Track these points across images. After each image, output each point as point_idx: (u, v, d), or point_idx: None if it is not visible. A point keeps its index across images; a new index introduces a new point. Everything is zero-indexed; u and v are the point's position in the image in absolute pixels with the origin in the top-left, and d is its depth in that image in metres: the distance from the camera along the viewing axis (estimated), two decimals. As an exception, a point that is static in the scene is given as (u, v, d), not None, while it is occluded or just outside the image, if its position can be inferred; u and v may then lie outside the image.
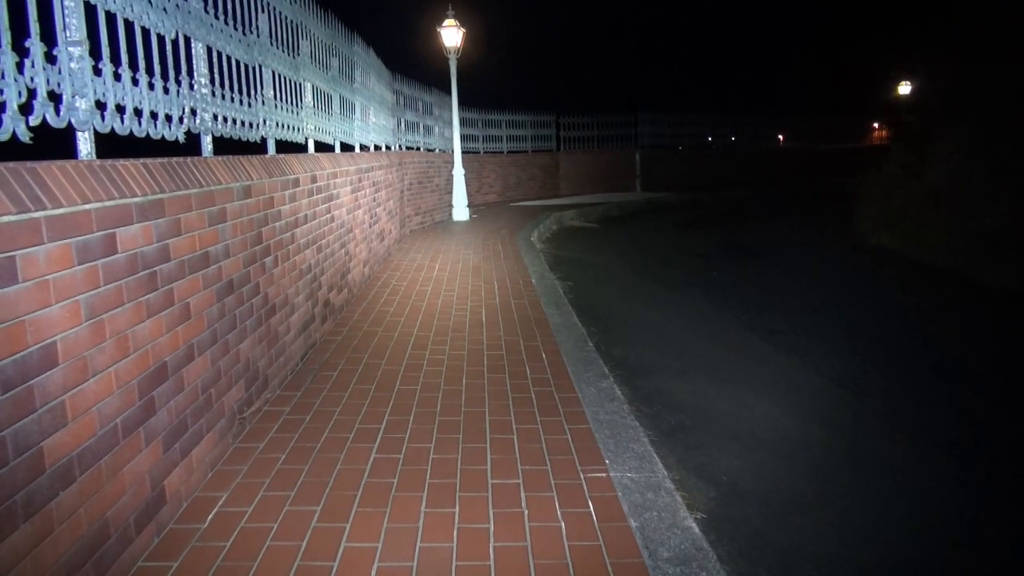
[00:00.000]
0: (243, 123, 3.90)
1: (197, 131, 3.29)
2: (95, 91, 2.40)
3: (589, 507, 2.73)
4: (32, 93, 2.07)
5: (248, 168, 3.66)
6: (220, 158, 3.37)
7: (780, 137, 31.81)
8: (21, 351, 1.79)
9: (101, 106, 2.45)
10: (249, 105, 4.00)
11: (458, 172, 14.19)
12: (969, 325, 6.96)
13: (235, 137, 3.81)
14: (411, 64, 14.65)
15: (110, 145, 2.48)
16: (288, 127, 4.81)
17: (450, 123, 14.77)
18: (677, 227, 15.17)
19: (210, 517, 2.63)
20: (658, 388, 4.81)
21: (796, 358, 5.59)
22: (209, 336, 3.02)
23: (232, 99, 3.75)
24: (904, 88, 28.76)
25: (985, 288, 8.51)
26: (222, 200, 3.22)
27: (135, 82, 2.68)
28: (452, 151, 14.56)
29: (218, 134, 3.54)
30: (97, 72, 2.42)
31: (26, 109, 2.04)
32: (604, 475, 3.01)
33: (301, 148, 5.25)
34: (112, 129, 2.52)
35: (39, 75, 2.09)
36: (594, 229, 14.81)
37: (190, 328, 2.82)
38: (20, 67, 2.02)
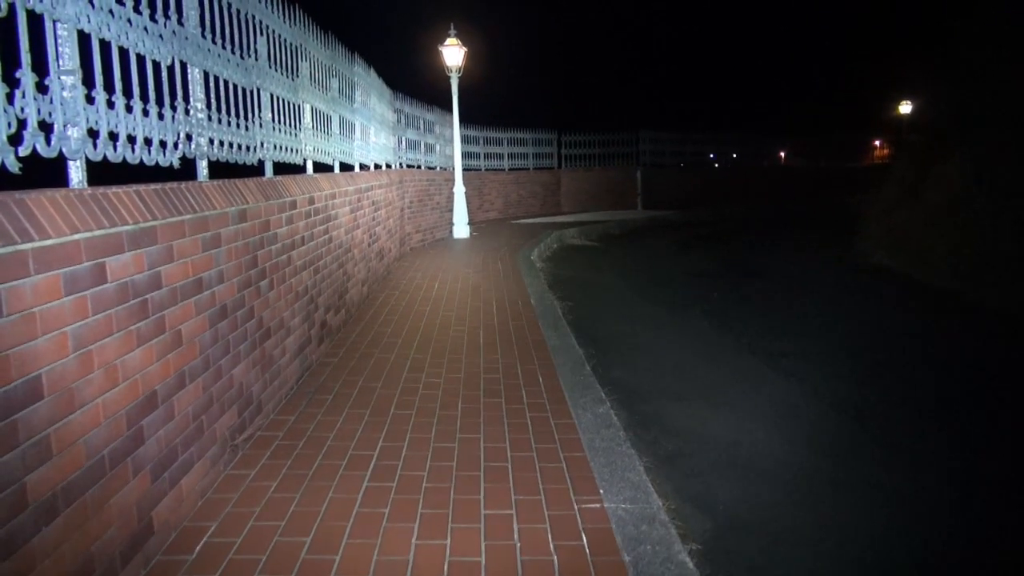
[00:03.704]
0: (240, 147, 3.90)
1: (192, 156, 3.28)
2: (87, 120, 2.39)
3: (583, 540, 2.69)
4: (22, 123, 2.06)
5: (244, 192, 3.65)
6: (216, 182, 3.36)
7: (781, 155, 31.91)
8: (5, 385, 1.77)
9: (94, 134, 2.44)
10: (246, 128, 4.00)
11: (459, 190, 14.21)
12: (971, 349, 6.91)
13: (231, 161, 3.81)
14: (413, 82, 14.70)
15: (103, 170, 2.47)
16: (286, 149, 4.81)
17: (451, 141, 14.82)
18: (678, 246, 15.15)
19: (198, 548, 2.59)
20: (656, 413, 4.78)
21: (796, 382, 5.55)
22: (201, 363, 3.00)
23: (229, 123, 3.75)
24: (905, 107, 28.85)
25: (987, 311, 8.47)
26: (217, 225, 3.20)
27: (129, 109, 2.68)
28: (453, 169, 14.59)
29: (214, 159, 3.54)
30: (90, 100, 2.42)
31: (16, 140, 2.03)
32: (598, 505, 2.97)
33: (296, 169, 5.25)
34: (105, 157, 2.51)
35: (30, 105, 2.08)
36: (595, 248, 14.81)
37: (182, 356, 2.80)
38: (10, 97, 2.01)
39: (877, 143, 36.99)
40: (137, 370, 2.44)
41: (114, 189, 2.43)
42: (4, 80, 1.98)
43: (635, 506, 2.99)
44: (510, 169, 20.45)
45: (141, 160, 2.76)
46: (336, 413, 4.05)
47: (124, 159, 2.63)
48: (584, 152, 23.11)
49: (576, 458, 3.46)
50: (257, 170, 4.27)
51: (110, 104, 2.54)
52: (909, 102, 28.85)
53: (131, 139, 2.68)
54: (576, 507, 2.95)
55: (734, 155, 29.01)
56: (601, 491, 3.10)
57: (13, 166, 1.99)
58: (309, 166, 5.49)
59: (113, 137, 2.56)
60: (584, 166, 23.13)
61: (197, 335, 2.96)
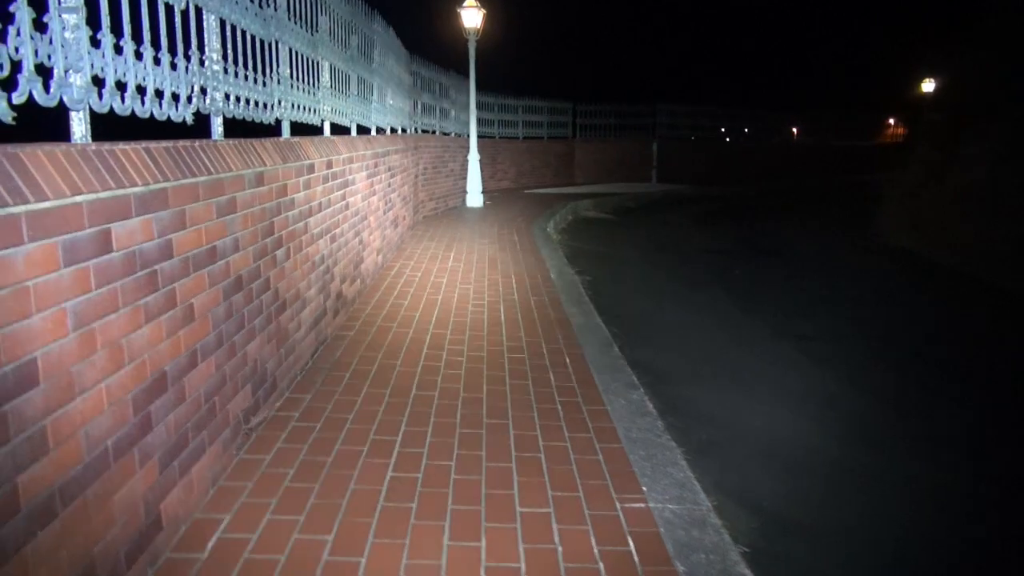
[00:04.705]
0: (257, 104, 3.61)
1: (207, 112, 3.00)
2: (92, 65, 2.11)
3: (629, 545, 2.45)
4: (17, 66, 1.78)
5: (261, 153, 3.38)
6: (231, 142, 3.08)
7: (794, 131, 31.34)
8: (-8, 372, 1.52)
9: (99, 82, 2.17)
10: (264, 84, 3.71)
11: (473, 157, 13.87)
12: (1005, 336, 6.64)
13: (248, 119, 3.53)
14: (428, 45, 14.25)
15: (102, 124, 2.19)
16: (304, 108, 4.51)
17: (466, 107, 14.42)
18: (694, 221, 14.83)
19: (210, 545, 2.36)
20: (685, 397, 4.53)
21: (829, 368, 5.29)
22: (214, 339, 2.75)
23: (246, 77, 3.46)
24: (927, 85, 28.19)
25: (1015, 296, 8.19)
26: (232, 189, 2.93)
27: (139, 56, 2.39)
28: (467, 135, 14.23)
29: (230, 115, 3.25)
30: (95, 43, 2.13)
31: (10, 84, 1.76)
32: (643, 505, 2.73)
33: (313, 130, 4.95)
34: (111, 108, 2.23)
35: (25, 45, 1.80)
36: (610, 220, 14.49)
37: (193, 331, 2.55)
38: (3, 35, 1.73)
39: (891, 121, 36.31)
40: (145, 349, 2.19)
41: (121, 146, 2.16)
42: (-5, 14, 1.70)
43: (682, 507, 2.75)
44: (524, 138, 20.04)
45: (152, 114, 2.48)
46: (354, 392, 3.81)
47: (133, 112, 2.35)
48: (599, 123, 22.70)
49: (613, 450, 3.22)
50: (269, 132, 3.98)
51: (118, 49, 2.26)
52: (931, 80, 28.17)
53: (140, 90, 2.40)
54: (619, 506, 2.71)
55: (745, 129, 28.53)
56: (644, 488, 2.86)
57: (6, 115, 1.72)
58: (326, 127, 5.20)
59: (120, 87, 2.28)
60: (599, 137, 22.72)
61: (210, 309, 2.71)
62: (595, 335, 5.13)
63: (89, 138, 2.11)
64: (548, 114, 21.06)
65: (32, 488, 1.64)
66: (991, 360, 5.81)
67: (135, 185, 2.13)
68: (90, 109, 2.11)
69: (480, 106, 17.42)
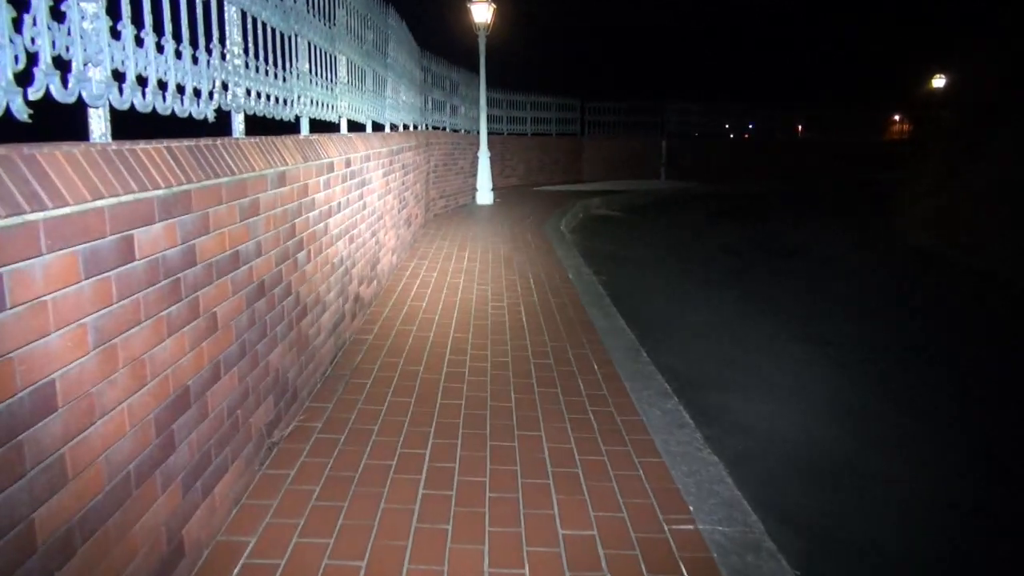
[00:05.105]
0: (277, 100, 3.45)
1: (228, 108, 2.84)
2: (112, 58, 1.95)
3: (683, 573, 2.30)
4: (33, 58, 1.62)
5: (283, 152, 3.22)
6: (253, 140, 2.93)
7: (799, 128, 31.07)
8: (7, 398, 1.37)
9: (119, 76, 2.01)
10: (283, 80, 3.55)
11: (483, 154, 13.69)
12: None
13: (268, 116, 3.37)
14: (437, 40, 14.05)
15: (115, 125, 2.03)
16: (323, 105, 4.35)
17: (475, 103, 14.25)
18: (708, 219, 14.65)
19: (236, 572, 2.21)
20: (715, 404, 4.38)
21: (861, 375, 5.13)
22: (237, 349, 2.59)
23: (267, 72, 3.30)
24: (938, 81, 27.88)
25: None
26: (255, 190, 2.78)
27: (160, 49, 2.23)
28: (477, 132, 14.06)
29: (251, 112, 3.09)
30: (116, 35, 1.98)
31: (25, 78, 1.60)
32: (691, 527, 2.57)
33: (328, 127, 4.79)
34: (132, 105, 2.07)
35: (42, 35, 1.64)
36: (622, 218, 14.31)
37: (216, 342, 2.40)
38: (18, 24, 1.58)
39: (896, 117, 36.01)
40: (168, 364, 2.04)
41: (142, 145, 2.00)
42: (9, 1, 1.54)
43: (733, 529, 2.59)
44: (533, 134, 19.86)
45: (173, 111, 2.32)
46: (378, 402, 3.65)
47: (154, 108, 2.19)
48: (608, 119, 22.52)
49: (653, 465, 3.06)
50: (286, 128, 3.82)
51: (139, 41, 2.10)
52: (942, 76, 27.86)
53: (162, 85, 2.25)
54: (666, 528, 2.56)
55: (750, 125, 28.31)
56: (691, 508, 2.70)
57: (21, 111, 1.56)
58: (343, 125, 5.04)
59: (142, 82, 2.12)
60: (608, 134, 22.53)
61: (233, 318, 2.55)
62: (620, 339, 4.97)
63: (109, 137, 1.95)
64: (557, 111, 20.86)
65: (49, 524, 1.49)
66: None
67: (158, 188, 1.97)
68: (110, 105, 1.95)
69: (489, 102, 17.24)
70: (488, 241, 9.02)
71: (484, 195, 13.72)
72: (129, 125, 2.20)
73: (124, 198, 1.79)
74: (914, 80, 29.78)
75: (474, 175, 13.92)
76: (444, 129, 13.12)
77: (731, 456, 3.71)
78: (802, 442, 3.98)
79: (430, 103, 11.94)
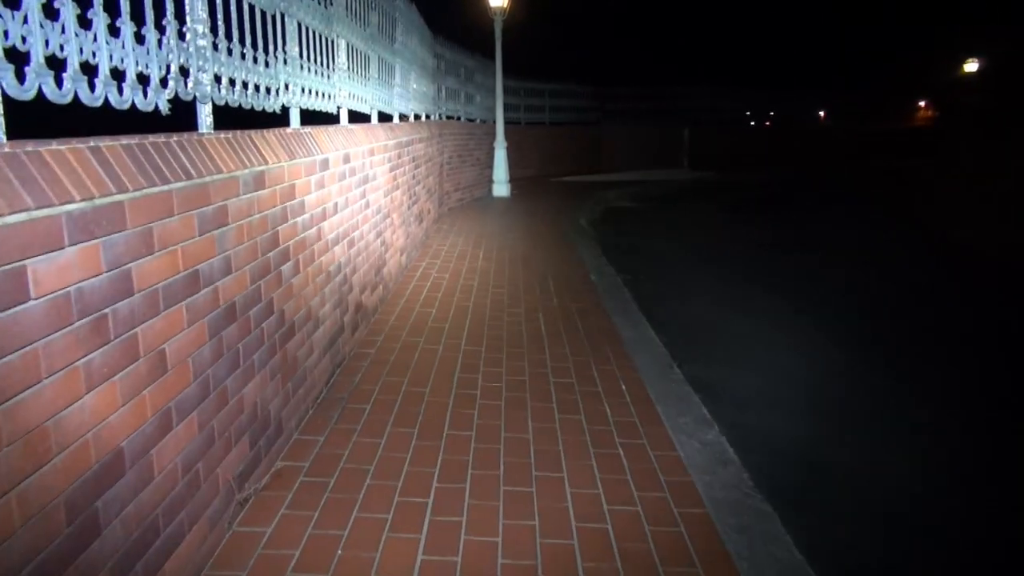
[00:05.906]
0: (258, 88, 2.99)
1: (189, 97, 2.38)
2: (6, 34, 1.49)
3: None
4: None
5: (262, 148, 2.76)
6: (223, 135, 2.47)
7: (821, 114, 30.28)
8: None
9: (18, 56, 1.55)
10: (266, 64, 3.09)
11: (500, 145, 13.20)
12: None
13: (247, 106, 2.91)
14: (451, 25, 13.53)
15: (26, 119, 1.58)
16: (317, 94, 3.89)
17: (491, 91, 13.72)
18: (732, 211, 14.07)
19: None
20: (760, 431, 3.87)
21: (913, 390, 4.59)
22: (197, 389, 2.14)
23: (243, 55, 2.84)
24: (971, 65, 26.95)
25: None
26: (222, 195, 2.32)
27: (85, 24, 1.78)
28: (493, 121, 13.55)
29: (222, 102, 2.63)
30: (14, 4, 1.52)
31: None
32: (748, 608, 2.10)
33: (328, 118, 4.32)
34: (40, 92, 1.62)
35: None
36: (644, 210, 13.77)
37: (164, 387, 1.95)
38: None
39: (922, 104, 35.07)
40: (88, 426, 1.59)
41: (53, 146, 1.55)
42: None
43: (800, 611, 2.12)
44: (551, 123, 19.31)
45: (106, 100, 1.86)
46: (376, 433, 3.20)
47: (75, 95, 1.73)
48: (628, 107, 21.94)
49: (696, 517, 2.58)
50: (276, 120, 3.36)
51: (50, 12, 1.64)
52: (974, 60, 26.94)
53: (89, 68, 1.79)
54: (718, 611, 2.09)
55: (771, 112, 27.63)
56: (746, 581, 2.23)
57: None
58: (343, 115, 4.57)
59: (55, 64, 1.67)
60: (628, 123, 21.94)
61: (190, 353, 2.10)
62: (649, 351, 4.49)
63: (3, 137, 1.49)
64: (575, 98, 20.30)
65: None
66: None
67: (69, 201, 1.51)
68: (2, 92, 1.50)
69: (506, 90, 16.72)
70: (504, 237, 8.55)
71: (500, 187, 13.24)
72: (82, 124, 1.77)
73: (8, 219, 1.33)
74: (940, 65, 28.84)
75: (490, 166, 13.44)
76: (459, 119, 12.63)
77: (790, 497, 3.21)
78: (866, 476, 3.45)
79: (443, 91, 11.44)
